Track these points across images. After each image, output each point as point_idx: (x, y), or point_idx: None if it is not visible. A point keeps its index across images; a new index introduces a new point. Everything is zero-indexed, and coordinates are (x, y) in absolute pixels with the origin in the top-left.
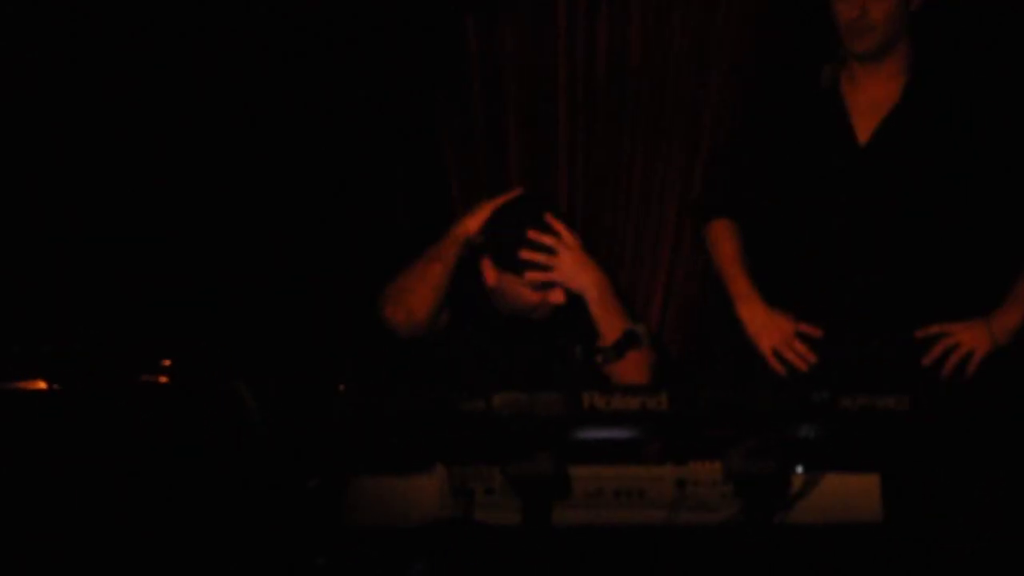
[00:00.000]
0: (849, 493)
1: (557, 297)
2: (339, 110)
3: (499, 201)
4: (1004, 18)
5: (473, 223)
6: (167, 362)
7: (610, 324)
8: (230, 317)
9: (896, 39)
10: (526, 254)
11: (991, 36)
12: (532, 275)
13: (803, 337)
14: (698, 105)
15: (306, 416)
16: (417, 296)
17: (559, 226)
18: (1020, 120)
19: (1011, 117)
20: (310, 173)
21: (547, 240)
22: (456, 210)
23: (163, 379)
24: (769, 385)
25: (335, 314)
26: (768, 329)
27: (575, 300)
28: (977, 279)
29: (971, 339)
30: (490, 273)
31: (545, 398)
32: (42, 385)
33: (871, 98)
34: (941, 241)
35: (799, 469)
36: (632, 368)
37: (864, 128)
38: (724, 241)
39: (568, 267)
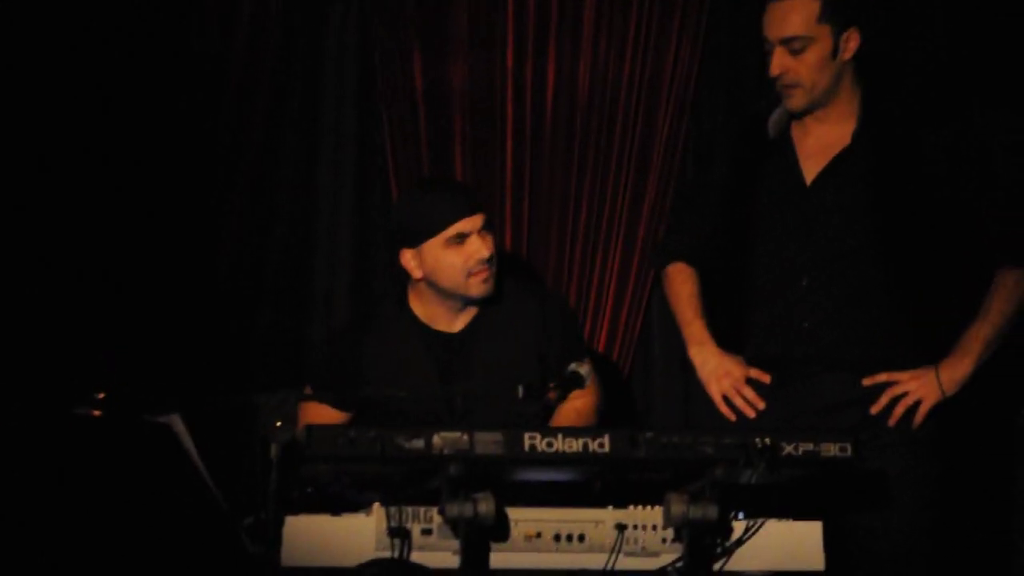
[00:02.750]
0: (791, 540)
1: (482, 251)
2: (279, 145)
3: None
4: (950, 63)
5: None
6: (101, 395)
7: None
8: (163, 350)
9: (833, 90)
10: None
11: (936, 81)
12: None
13: (752, 383)
14: (647, 141)
15: (241, 453)
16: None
17: None
18: (963, 164)
19: (954, 160)
20: (256, 208)
21: None
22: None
23: (96, 413)
24: (713, 429)
25: (272, 350)
26: (717, 374)
27: (518, 342)
28: (924, 320)
29: (919, 388)
30: (414, 266)
31: (485, 438)
32: None
33: (820, 142)
34: (887, 282)
35: (740, 515)
36: (575, 409)
37: (811, 170)
38: (680, 285)
39: None
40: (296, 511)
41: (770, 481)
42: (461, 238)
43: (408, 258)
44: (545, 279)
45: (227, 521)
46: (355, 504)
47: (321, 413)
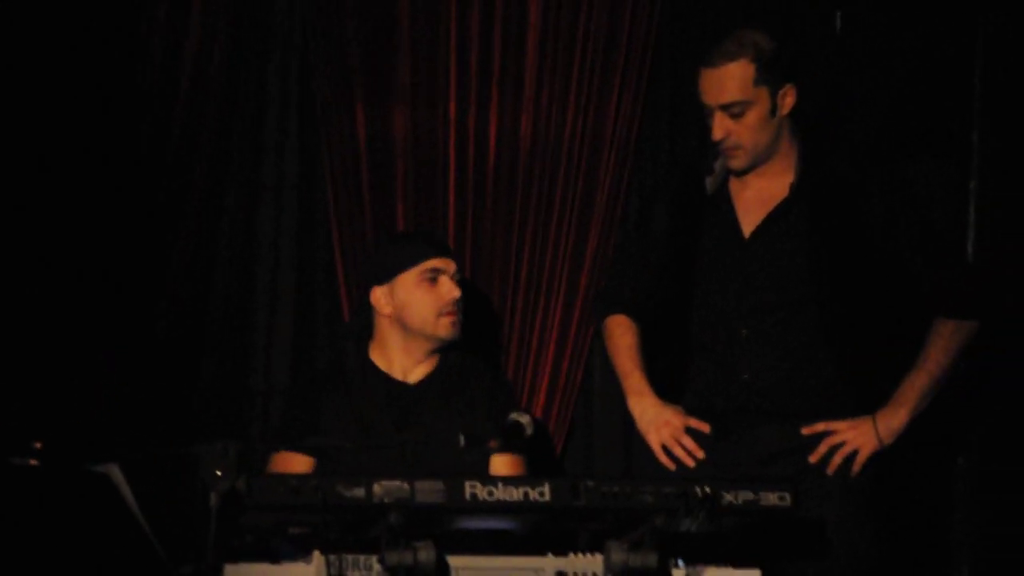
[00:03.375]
0: None
1: (454, 291)
2: (220, 193)
3: None
4: (883, 115)
5: None
6: (38, 444)
7: None
8: (102, 400)
9: (773, 146)
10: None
11: (870, 133)
12: None
13: (692, 433)
14: (589, 192)
15: (180, 501)
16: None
17: None
18: (899, 215)
19: (890, 212)
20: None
21: None
22: (342, 294)
23: (34, 462)
24: (654, 478)
25: (213, 399)
26: (657, 424)
27: (469, 398)
28: (861, 370)
29: (857, 438)
30: (384, 303)
31: (426, 487)
32: None
33: (758, 196)
34: (825, 333)
35: (680, 563)
36: (512, 462)
37: (749, 224)
38: (620, 337)
39: None
40: (236, 560)
41: (710, 530)
42: (435, 274)
43: (379, 295)
44: (487, 329)
45: (166, 571)
46: (295, 553)
47: (290, 461)
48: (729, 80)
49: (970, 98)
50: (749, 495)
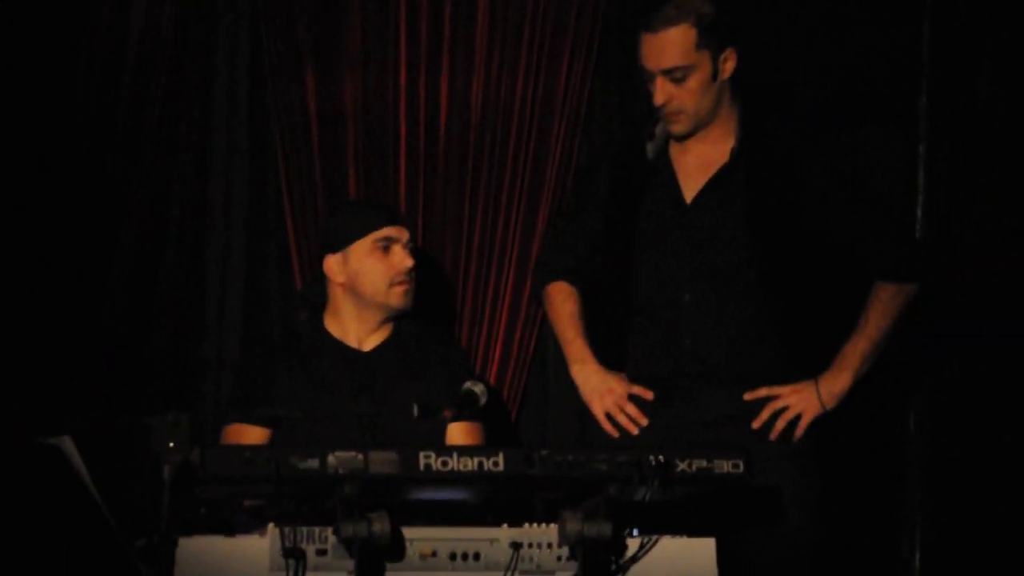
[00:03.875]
0: (685, 556)
1: (407, 261)
2: (170, 163)
3: None
4: (822, 80)
5: None
6: None
7: None
8: (54, 371)
9: (715, 111)
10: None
11: (810, 98)
12: None
13: (635, 400)
14: (540, 159)
15: (133, 473)
16: None
17: None
18: (839, 180)
19: (830, 177)
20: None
21: None
22: (294, 263)
23: None
24: (607, 447)
25: (165, 370)
26: (600, 392)
27: (423, 365)
28: (803, 334)
29: (799, 402)
30: (337, 272)
31: (380, 457)
32: None
33: (699, 160)
34: (767, 298)
35: (635, 532)
36: (468, 429)
37: (691, 189)
38: (561, 304)
39: None
40: (189, 532)
41: (664, 498)
42: (388, 243)
43: (332, 264)
44: (440, 297)
45: (119, 543)
46: (249, 524)
47: (243, 432)
48: (670, 45)
49: (918, 63)
50: (703, 463)
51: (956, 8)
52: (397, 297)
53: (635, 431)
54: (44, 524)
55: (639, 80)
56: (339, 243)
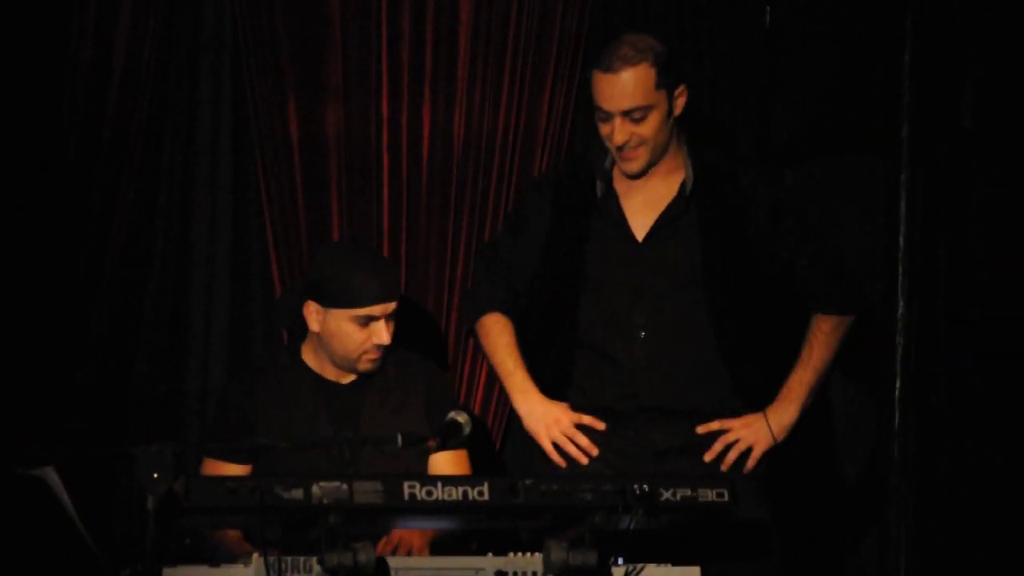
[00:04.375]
0: None
1: (383, 337)
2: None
3: None
4: (808, 111)
5: None
6: None
7: None
8: (37, 402)
9: (666, 148)
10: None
11: (752, 134)
12: None
13: (583, 429)
14: (523, 188)
15: (117, 504)
16: None
17: None
18: (782, 217)
19: (774, 214)
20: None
21: None
22: (277, 293)
23: None
24: (592, 476)
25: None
26: (546, 422)
27: (405, 396)
28: (751, 367)
29: (750, 435)
30: (314, 321)
31: (364, 487)
32: None
33: (647, 196)
34: (718, 332)
35: (620, 561)
36: (453, 458)
37: (641, 225)
38: (498, 335)
39: None
40: (174, 562)
41: (648, 527)
42: (369, 321)
43: (312, 310)
44: (424, 325)
45: (104, 574)
46: (234, 555)
47: (220, 468)
48: (632, 85)
49: (899, 93)
50: (687, 492)
51: (937, 36)
52: (364, 364)
53: (585, 461)
54: (29, 555)
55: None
56: (323, 299)
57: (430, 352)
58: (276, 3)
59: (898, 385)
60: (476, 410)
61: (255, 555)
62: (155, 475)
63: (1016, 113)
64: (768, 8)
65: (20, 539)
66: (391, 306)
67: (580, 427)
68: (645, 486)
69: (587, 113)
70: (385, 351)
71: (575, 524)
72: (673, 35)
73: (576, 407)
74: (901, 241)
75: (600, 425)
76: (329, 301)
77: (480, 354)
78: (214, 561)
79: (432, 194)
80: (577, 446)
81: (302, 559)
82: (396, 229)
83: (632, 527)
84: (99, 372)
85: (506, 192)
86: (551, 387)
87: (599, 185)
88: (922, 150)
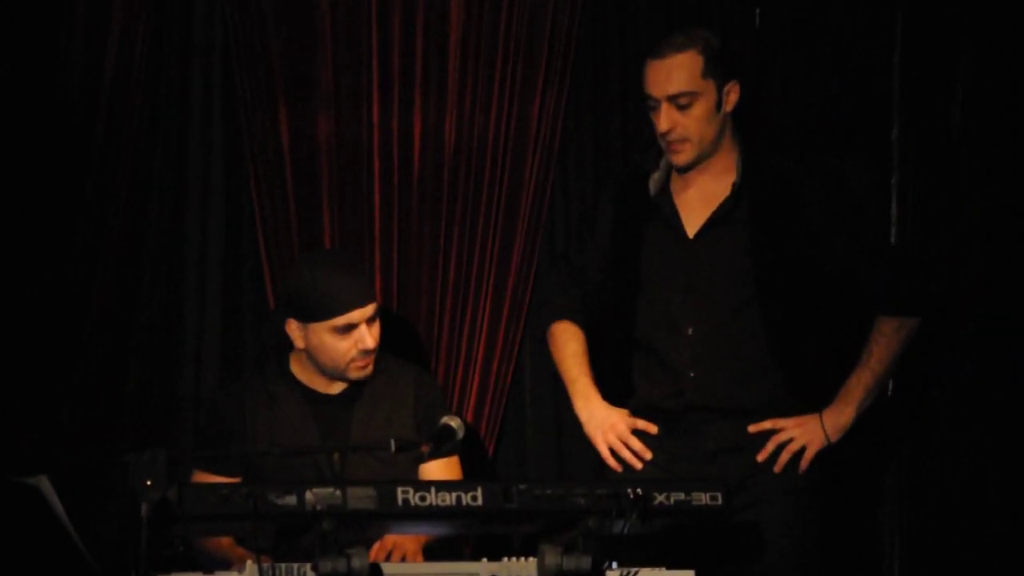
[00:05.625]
0: None
1: (367, 342)
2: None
3: None
4: (798, 114)
5: None
6: None
7: None
8: (29, 410)
9: (717, 143)
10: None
11: (792, 131)
12: None
13: (639, 434)
14: (515, 192)
15: (110, 511)
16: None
17: None
18: (838, 215)
19: (830, 212)
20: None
21: None
22: (269, 299)
23: None
24: (585, 480)
25: (141, 408)
26: (603, 428)
27: (395, 403)
28: (806, 367)
29: (803, 435)
30: (297, 337)
31: (358, 493)
32: None
33: (701, 195)
34: (769, 330)
35: (614, 565)
36: (444, 465)
37: (693, 223)
38: (565, 343)
39: None
40: (167, 570)
41: (642, 531)
42: (349, 328)
43: (293, 328)
44: (416, 331)
45: None
46: (227, 561)
47: (209, 480)
48: (678, 70)
49: (889, 94)
50: (681, 495)
51: (927, 36)
52: (354, 372)
53: (639, 466)
54: (21, 565)
55: (612, 115)
56: (300, 315)
57: (422, 358)
58: (267, 9)
59: (891, 387)
60: (469, 417)
61: (249, 562)
62: (148, 482)
63: (1007, 113)
64: (758, 10)
65: (13, 547)
66: (368, 309)
67: (635, 431)
68: (639, 490)
69: (578, 115)
70: (375, 355)
71: (569, 528)
72: (662, 38)
73: (635, 409)
74: (893, 243)
75: (653, 429)
76: (306, 316)
77: (473, 360)
78: (208, 568)
79: (424, 199)
80: (632, 451)
81: (296, 566)
82: (388, 234)
83: (626, 531)
84: (91, 378)
85: (498, 196)
86: (613, 390)
87: (652, 182)
88: (913, 152)
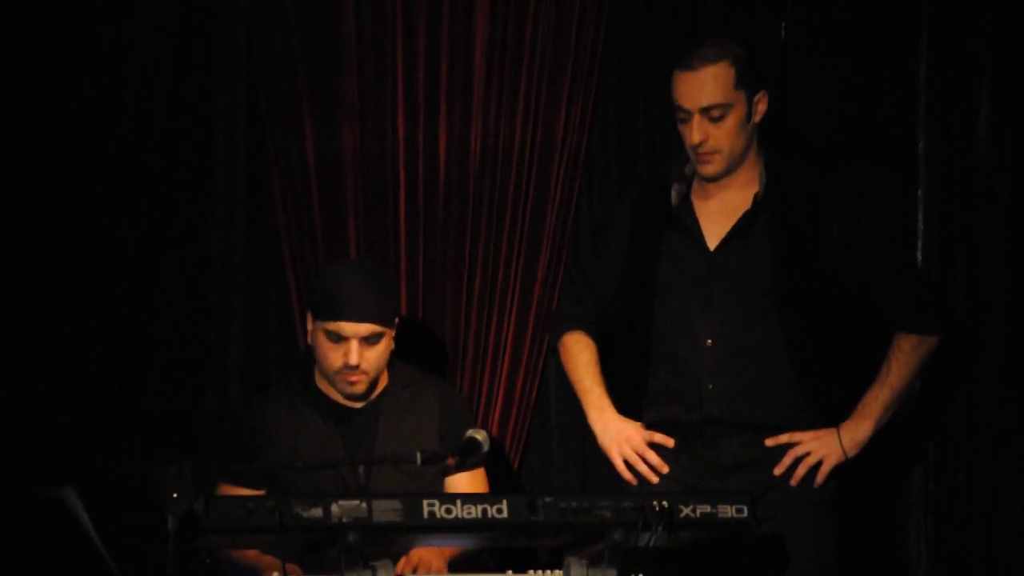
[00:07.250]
0: None
1: (351, 357)
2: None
3: None
4: (823, 127)
5: None
6: None
7: None
8: (55, 424)
9: (745, 154)
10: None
11: (818, 144)
12: None
13: (654, 447)
14: (540, 204)
15: (137, 524)
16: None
17: None
18: (860, 231)
19: (851, 228)
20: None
21: None
22: (294, 311)
23: None
24: (611, 493)
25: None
26: (618, 440)
27: (420, 418)
28: (824, 381)
29: (821, 449)
30: (309, 330)
31: (384, 506)
32: None
33: (723, 205)
34: (788, 344)
35: None
36: (470, 477)
37: (714, 235)
38: (578, 354)
39: None
40: None
41: (668, 543)
42: (338, 338)
43: (309, 321)
44: (442, 343)
45: None
46: (256, 571)
47: (232, 493)
48: (711, 82)
49: (915, 107)
50: (707, 508)
51: (953, 49)
52: (342, 385)
53: (655, 480)
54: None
55: (637, 124)
56: (311, 308)
57: (448, 370)
58: (292, 21)
59: (917, 388)
60: (494, 429)
61: (275, 574)
62: (174, 495)
63: None
64: (784, 24)
65: (41, 559)
66: (361, 328)
67: (651, 445)
68: (664, 502)
69: (603, 126)
70: (368, 376)
71: (595, 541)
72: (690, 50)
73: (650, 422)
74: (919, 256)
75: (670, 443)
76: (313, 310)
77: (498, 373)
78: None
79: (449, 210)
80: (648, 464)
81: None
82: (413, 246)
83: (652, 544)
84: (115, 390)
85: (523, 207)
86: (627, 401)
87: (674, 193)
88: (939, 164)
